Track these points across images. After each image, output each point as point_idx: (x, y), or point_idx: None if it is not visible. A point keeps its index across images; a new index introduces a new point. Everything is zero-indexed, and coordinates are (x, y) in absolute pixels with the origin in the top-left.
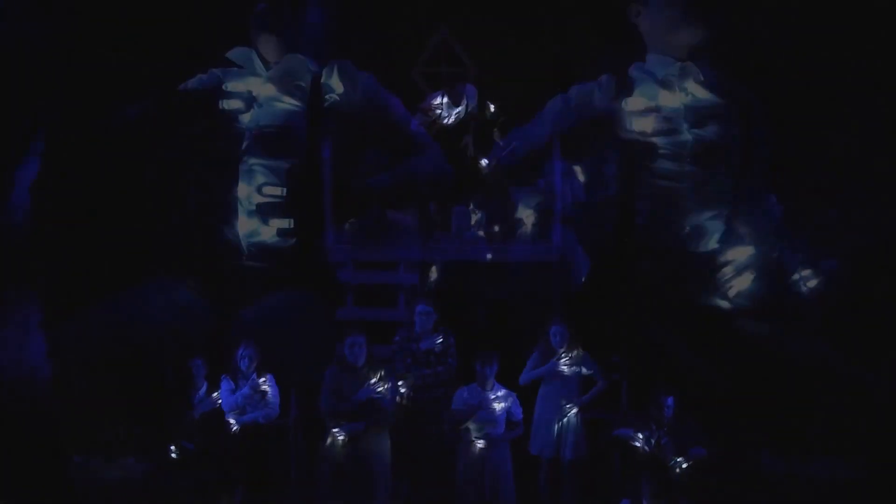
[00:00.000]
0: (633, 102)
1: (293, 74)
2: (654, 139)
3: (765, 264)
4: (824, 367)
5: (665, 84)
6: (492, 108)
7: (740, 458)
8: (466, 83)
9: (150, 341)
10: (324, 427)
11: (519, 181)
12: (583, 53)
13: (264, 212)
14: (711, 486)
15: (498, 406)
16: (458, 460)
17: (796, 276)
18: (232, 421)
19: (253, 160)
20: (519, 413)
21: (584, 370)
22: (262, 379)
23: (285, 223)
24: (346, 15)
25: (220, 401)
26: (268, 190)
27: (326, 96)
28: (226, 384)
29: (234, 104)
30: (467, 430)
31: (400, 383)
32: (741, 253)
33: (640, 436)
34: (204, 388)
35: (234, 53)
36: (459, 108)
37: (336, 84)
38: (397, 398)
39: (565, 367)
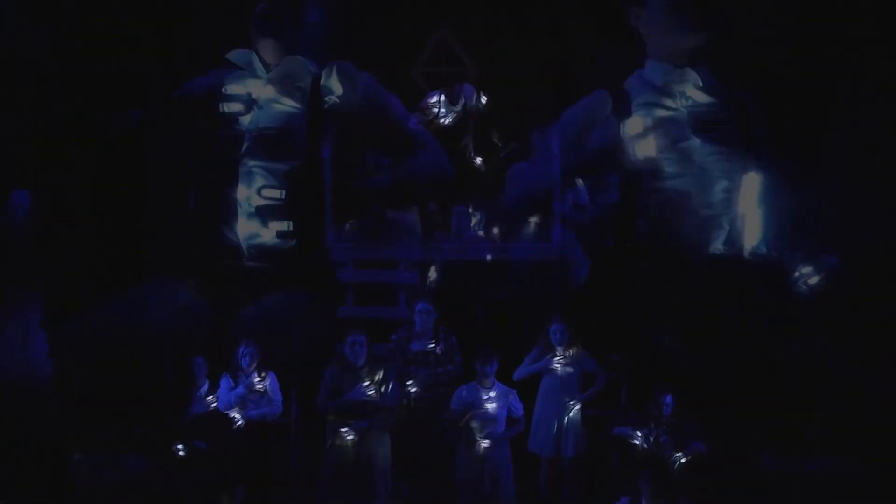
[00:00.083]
0: (632, 125)
1: (293, 76)
2: (660, 155)
3: (765, 263)
4: (824, 366)
5: (665, 91)
6: (484, 99)
7: (739, 457)
8: (464, 82)
9: (151, 340)
10: (325, 426)
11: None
12: (583, 54)
13: (264, 213)
14: (710, 484)
15: (491, 406)
16: (458, 459)
17: (797, 275)
18: (237, 416)
19: (252, 162)
20: (519, 409)
21: (574, 369)
22: (259, 378)
23: (285, 224)
24: (346, 15)
25: (214, 403)
26: (267, 192)
27: (326, 98)
28: (225, 383)
29: (234, 107)
30: (470, 429)
31: (409, 383)
32: (742, 252)
33: (639, 434)
34: (205, 387)
35: (234, 55)
36: (457, 107)
37: (335, 85)
38: (401, 399)
39: (558, 366)
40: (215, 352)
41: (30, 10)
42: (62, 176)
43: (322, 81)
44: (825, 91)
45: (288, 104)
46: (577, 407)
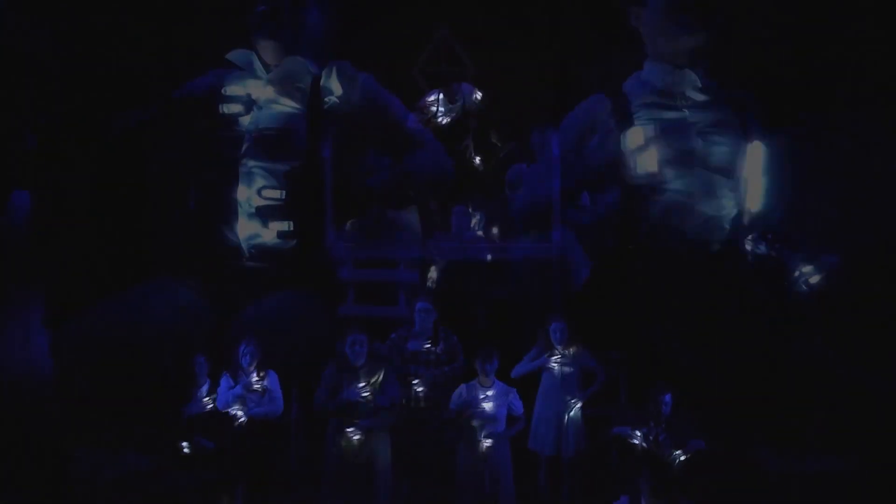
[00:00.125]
0: (633, 137)
1: (293, 77)
2: (662, 167)
3: (765, 263)
4: (823, 365)
5: (664, 93)
6: (479, 95)
7: (739, 456)
8: (463, 82)
9: (152, 340)
10: (325, 426)
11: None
12: (582, 55)
13: (264, 213)
14: (710, 483)
15: (487, 405)
16: (457, 458)
17: (797, 273)
18: (240, 413)
19: (252, 162)
20: (520, 407)
21: (572, 368)
22: (256, 377)
23: (285, 224)
24: (346, 16)
25: (210, 405)
26: (267, 192)
27: (326, 98)
28: (225, 381)
29: (234, 108)
30: (470, 428)
31: (415, 382)
32: (742, 250)
33: (638, 433)
34: (206, 386)
35: (234, 55)
36: (455, 106)
37: (335, 86)
38: (400, 398)
39: (555, 365)
40: (216, 351)
41: (30, 9)
42: (62, 176)
43: (322, 82)
44: (824, 90)
45: (288, 105)
46: (578, 405)
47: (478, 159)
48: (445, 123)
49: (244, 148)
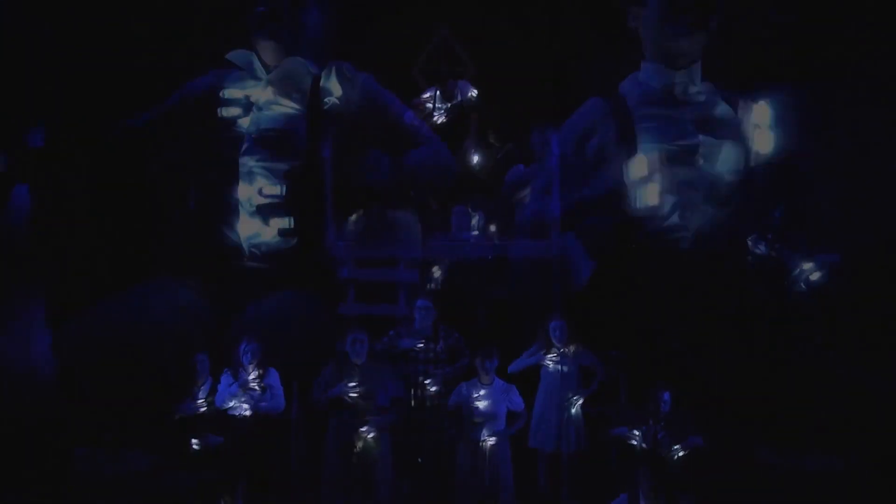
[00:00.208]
0: (637, 167)
1: (293, 78)
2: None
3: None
4: (823, 363)
5: (663, 93)
6: (474, 93)
7: (738, 453)
8: (460, 80)
9: (153, 339)
10: (326, 425)
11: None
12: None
13: (265, 213)
14: (709, 480)
15: (482, 403)
16: (458, 456)
17: (797, 272)
18: (246, 407)
19: (253, 163)
20: (520, 403)
21: (570, 366)
22: (254, 375)
23: (286, 224)
24: (346, 15)
25: (203, 407)
26: (268, 191)
27: (326, 99)
28: (226, 379)
29: (233, 111)
30: (471, 426)
31: (428, 381)
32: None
33: (637, 434)
34: (208, 384)
35: (234, 55)
36: (452, 103)
37: (335, 87)
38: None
39: (550, 363)
40: (217, 350)
41: (30, 9)
42: (63, 175)
43: (322, 82)
44: (824, 90)
45: (288, 105)
46: (579, 402)
47: (476, 159)
48: (442, 123)
49: (244, 148)
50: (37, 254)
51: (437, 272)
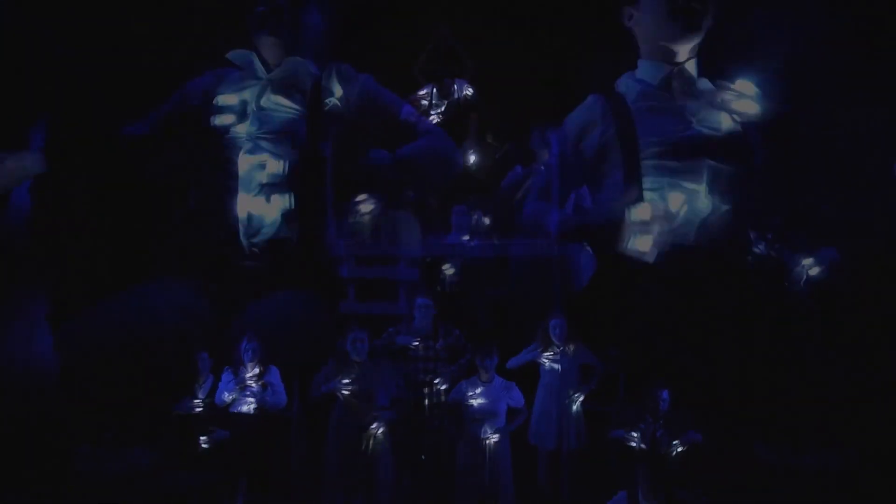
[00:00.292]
0: (640, 212)
1: (293, 78)
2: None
3: (765, 260)
4: (822, 362)
5: (662, 88)
6: (470, 91)
7: (737, 450)
8: (458, 78)
9: (154, 338)
10: (326, 422)
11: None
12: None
13: (265, 213)
14: (706, 476)
15: (477, 401)
16: (457, 454)
17: (796, 270)
18: (251, 400)
19: (253, 163)
20: (520, 400)
21: (567, 365)
22: (252, 373)
23: (286, 224)
24: (346, 15)
25: (198, 408)
26: (267, 191)
27: (326, 100)
28: (226, 377)
29: (226, 119)
30: (472, 423)
31: (437, 381)
32: (742, 248)
33: (636, 435)
34: (209, 382)
35: (234, 55)
36: (448, 101)
37: (335, 87)
38: (408, 396)
39: (546, 361)
40: (218, 349)
41: (29, 9)
42: (63, 175)
43: (322, 83)
44: (824, 90)
45: (288, 106)
46: (580, 399)
47: (475, 159)
48: (439, 122)
49: (244, 148)
50: (37, 253)
51: (446, 273)
